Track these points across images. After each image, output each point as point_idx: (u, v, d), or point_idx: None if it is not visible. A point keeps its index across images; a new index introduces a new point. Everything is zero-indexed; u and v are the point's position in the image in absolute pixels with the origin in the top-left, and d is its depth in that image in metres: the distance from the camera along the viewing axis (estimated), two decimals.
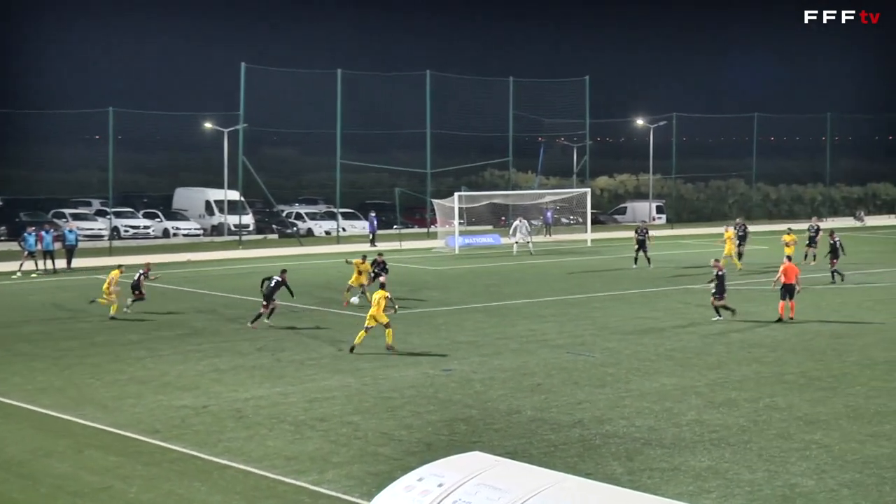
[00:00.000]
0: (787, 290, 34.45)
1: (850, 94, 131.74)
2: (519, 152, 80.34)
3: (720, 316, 33.79)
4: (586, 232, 67.42)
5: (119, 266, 37.40)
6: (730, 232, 50.22)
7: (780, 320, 34.00)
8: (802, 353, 28.51)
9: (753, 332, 31.97)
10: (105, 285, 35.14)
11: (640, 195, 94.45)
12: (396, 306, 31.18)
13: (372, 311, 28.33)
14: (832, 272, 43.99)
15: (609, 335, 31.32)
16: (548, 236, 71.20)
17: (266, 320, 32.66)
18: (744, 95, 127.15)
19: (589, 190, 69.89)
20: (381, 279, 35.88)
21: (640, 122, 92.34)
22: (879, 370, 26.21)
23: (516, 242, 59.29)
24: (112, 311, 34.73)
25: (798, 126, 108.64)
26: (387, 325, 28.39)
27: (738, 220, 52.53)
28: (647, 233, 50.45)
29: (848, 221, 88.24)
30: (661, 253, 56.88)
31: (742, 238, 50.75)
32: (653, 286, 43.37)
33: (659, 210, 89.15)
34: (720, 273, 34.03)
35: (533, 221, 71.12)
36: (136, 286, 35.84)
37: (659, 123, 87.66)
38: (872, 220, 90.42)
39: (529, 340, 30.54)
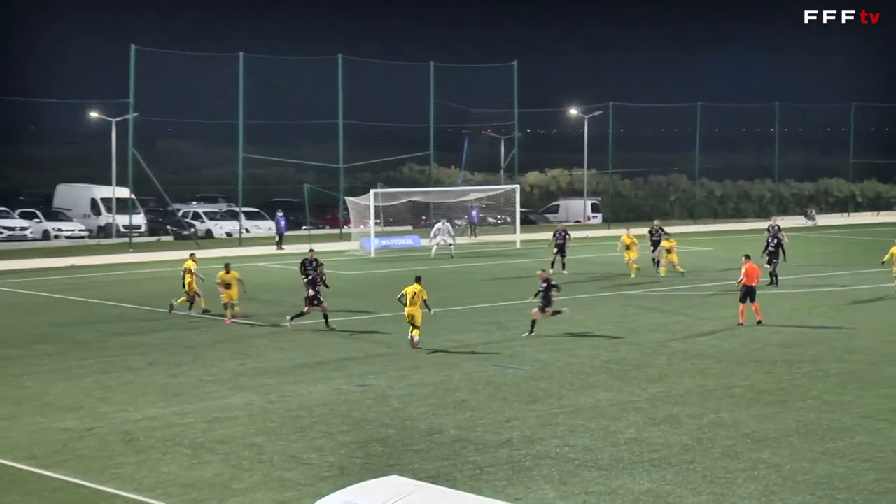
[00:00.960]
0: (748, 293, 34.92)
1: (813, 84, 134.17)
2: (441, 145, 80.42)
3: (532, 332, 33.00)
4: (515, 233, 67.71)
5: (191, 254, 39.85)
6: (629, 237, 48.98)
7: (740, 325, 34.49)
8: (750, 364, 28.92)
9: (697, 341, 32.36)
10: (188, 278, 37.39)
11: (574, 192, 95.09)
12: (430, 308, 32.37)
13: (409, 309, 30.98)
14: (772, 274, 44.65)
15: (540, 346, 31.47)
16: (473, 237, 71.37)
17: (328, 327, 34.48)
18: (695, 85, 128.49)
19: (518, 186, 70.24)
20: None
21: (573, 111, 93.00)
22: (832, 382, 26.68)
23: (436, 244, 59.37)
24: (202, 304, 37.51)
25: (746, 117, 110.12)
26: (417, 326, 31.15)
27: (655, 223, 52.52)
28: (566, 235, 50.77)
29: (798, 221, 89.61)
30: (596, 255, 57.39)
31: (656, 243, 49.85)
32: (587, 292, 43.68)
33: (594, 208, 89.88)
34: (548, 285, 33.38)
35: (457, 221, 71.26)
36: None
37: (594, 113, 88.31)
38: (824, 220, 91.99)
39: (453, 352, 30.56)
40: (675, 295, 42.33)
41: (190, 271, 37.63)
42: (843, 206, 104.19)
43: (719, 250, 62.75)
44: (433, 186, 77.01)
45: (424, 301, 31.42)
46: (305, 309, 34.19)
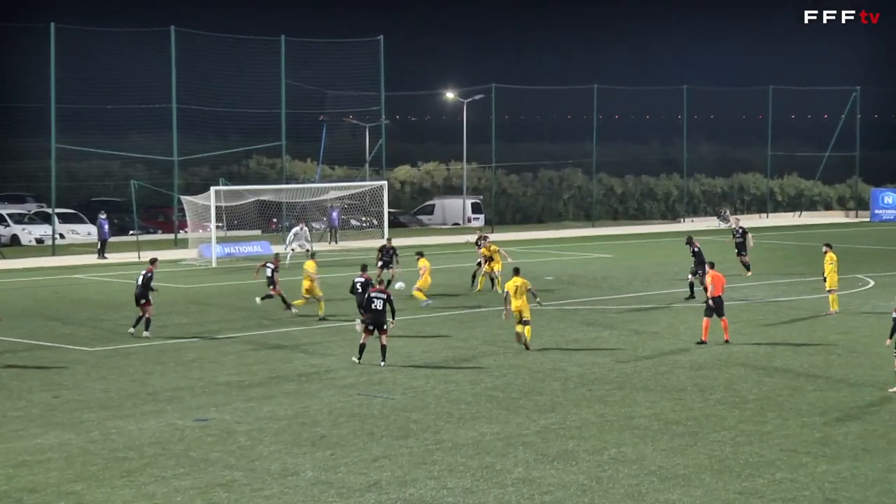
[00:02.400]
0: (716, 306, 35.41)
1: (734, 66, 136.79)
2: (295, 134, 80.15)
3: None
4: (383, 237, 67.70)
5: (312, 254, 44.04)
6: (488, 249, 47.84)
7: (702, 343, 35.06)
8: (656, 390, 29.28)
9: (596, 364, 32.68)
10: (306, 283, 41.01)
11: (453, 190, 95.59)
12: (539, 299, 35.91)
13: (517, 303, 33.73)
14: (691, 285, 45.37)
15: (414, 371, 31.48)
16: (333, 243, 71.29)
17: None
18: (593, 65, 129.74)
19: (385, 183, 70.33)
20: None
21: (450, 95, 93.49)
22: (749, 410, 27.15)
23: (291, 251, 59.06)
24: (320, 312, 40.99)
25: (652, 102, 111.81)
26: (527, 322, 34.05)
27: (479, 232, 52.14)
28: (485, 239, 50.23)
29: (710, 222, 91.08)
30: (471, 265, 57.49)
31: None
32: (466, 307, 43.88)
33: (476, 208, 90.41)
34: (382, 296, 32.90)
35: (314, 224, 71.10)
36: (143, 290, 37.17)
37: (475, 97, 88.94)
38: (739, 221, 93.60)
39: (310, 379, 30.44)
40: (569, 310, 42.72)
41: (310, 276, 41.27)
42: (761, 205, 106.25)
43: (620, 257, 63.56)
44: (286, 183, 76.60)
45: (531, 292, 34.60)
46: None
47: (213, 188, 62.40)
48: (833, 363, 32.80)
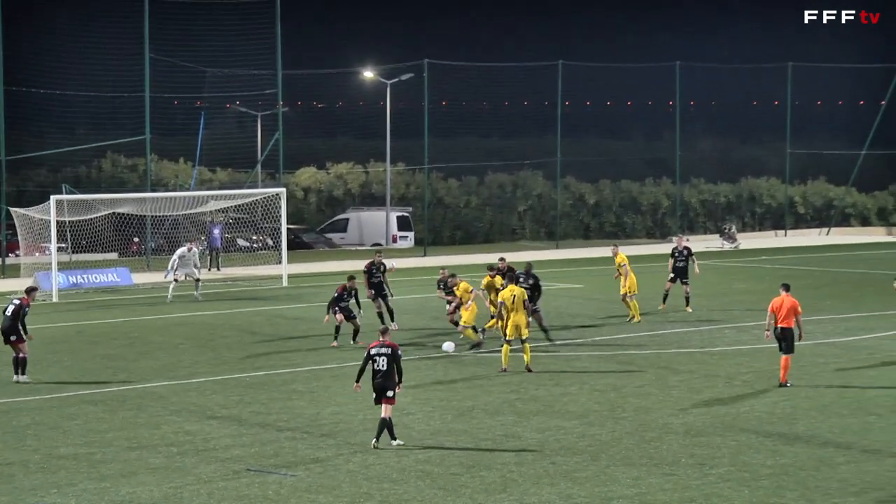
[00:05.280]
0: (783, 339, 37.14)
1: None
2: (163, 127, 79.94)
3: None
4: (280, 262, 67.62)
5: (490, 267, 46.55)
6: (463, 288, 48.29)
7: (783, 385, 35.56)
8: (640, 463, 29.39)
9: (562, 428, 32.73)
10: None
11: (373, 199, 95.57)
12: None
13: (514, 318, 37.69)
14: (544, 329, 45.48)
15: (321, 438, 31.44)
16: (215, 270, 71.09)
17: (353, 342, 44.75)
18: (560, 38, 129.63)
19: (283, 191, 70.04)
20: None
21: (369, 74, 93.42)
22: (763, 489, 27.16)
23: (174, 281, 58.60)
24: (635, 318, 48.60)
25: (634, 82, 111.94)
26: (524, 341, 37.97)
27: (377, 256, 52.11)
28: (383, 269, 50.40)
29: (712, 242, 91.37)
30: (404, 298, 57.57)
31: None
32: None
33: (403, 224, 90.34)
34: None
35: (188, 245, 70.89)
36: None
37: (402, 77, 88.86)
38: (749, 240, 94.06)
39: (184, 450, 30.32)
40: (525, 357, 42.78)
41: (494, 288, 44.19)
42: (777, 219, 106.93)
43: (593, 288, 63.79)
44: (151, 191, 76.34)
45: (524, 303, 38.59)
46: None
47: (53, 197, 62.06)
48: (871, 427, 32.99)
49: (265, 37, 77.92)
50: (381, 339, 31.21)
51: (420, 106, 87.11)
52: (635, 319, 50.88)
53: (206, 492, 26.86)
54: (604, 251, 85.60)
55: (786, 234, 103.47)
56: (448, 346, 40.24)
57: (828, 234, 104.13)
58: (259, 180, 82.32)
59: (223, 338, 48.17)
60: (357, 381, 31.22)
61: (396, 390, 30.89)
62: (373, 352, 30.90)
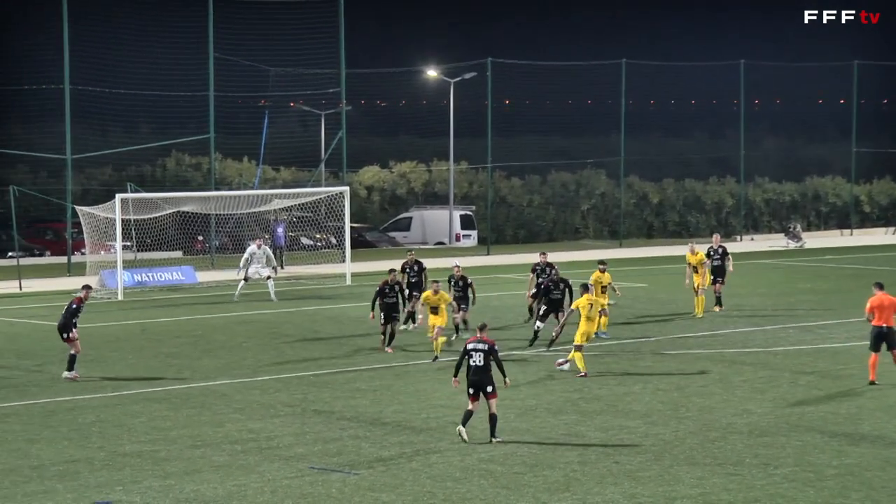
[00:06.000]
0: (881, 336, 36.66)
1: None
2: (226, 125, 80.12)
3: None
4: (343, 261, 67.68)
5: (601, 262, 47.96)
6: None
7: (872, 384, 35.42)
8: (704, 463, 29.29)
9: (624, 427, 32.65)
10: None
11: (435, 198, 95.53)
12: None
13: (585, 327, 39.14)
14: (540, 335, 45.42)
15: (383, 437, 31.45)
16: (279, 269, 71.22)
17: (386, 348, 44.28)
18: (622, 38, 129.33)
19: (347, 189, 70.08)
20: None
21: (432, 73, 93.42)
22: (828, 490, 27.02)
23: (244, 280, 58.49)
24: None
25: (695, 81, 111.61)
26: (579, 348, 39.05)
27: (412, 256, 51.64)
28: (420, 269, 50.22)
29: (776, 241, 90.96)
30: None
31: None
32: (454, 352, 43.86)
33: (466, 223, 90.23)
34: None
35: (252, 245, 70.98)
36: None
37: (465, 76, 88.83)
38: (814, 239, 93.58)
39: (247, 448, 30.38)
40: (589, 357, 42.63)
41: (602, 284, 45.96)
42: (843, 218, 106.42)
43: (657, 287, 63.57)
44: (215, 189, 76.53)
45: (603, 310, 40.65)
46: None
47: (118, 195, 62.17)
48: None
49: (328, 36, 78.05)
50: (478, 334, 31.54)
51: (483, 105, 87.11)
52: (699, 314, 51.20)
53: (269, 490, 26.91)
54: (667, 250, 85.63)
55: (851, 234, 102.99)
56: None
57: (894, 233, 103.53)
58: (322, 179, 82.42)
59: (286, 336, 48.27)
60: (455, 376, 31.72)
61: (505, 384, 31.50)
62: (469, 347, 31.20)
